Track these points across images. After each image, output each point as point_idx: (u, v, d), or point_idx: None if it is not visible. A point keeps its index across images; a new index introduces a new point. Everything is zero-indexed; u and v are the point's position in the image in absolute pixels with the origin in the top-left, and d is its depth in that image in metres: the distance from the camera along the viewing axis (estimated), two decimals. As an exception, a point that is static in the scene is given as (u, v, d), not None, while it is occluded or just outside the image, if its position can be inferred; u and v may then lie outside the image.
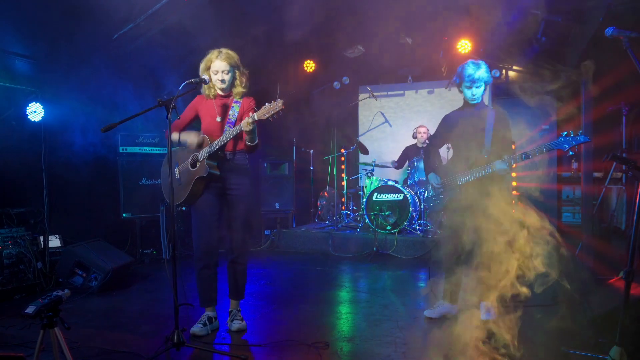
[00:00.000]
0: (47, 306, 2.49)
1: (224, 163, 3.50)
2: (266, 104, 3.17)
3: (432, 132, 7.45)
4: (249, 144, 3.42)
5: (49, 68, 5.37)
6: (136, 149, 6.48)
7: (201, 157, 3.43)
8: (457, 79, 3.70)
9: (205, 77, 3.37)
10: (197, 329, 3.49)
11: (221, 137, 3.36)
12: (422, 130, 7.49)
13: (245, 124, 3.21)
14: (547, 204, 7.97)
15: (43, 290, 4.82)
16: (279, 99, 3.12)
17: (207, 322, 3.55)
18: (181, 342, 3.06)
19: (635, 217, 2.72)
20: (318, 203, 8.42)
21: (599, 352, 2.83)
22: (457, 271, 3.86)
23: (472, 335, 3.47)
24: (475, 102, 3.70)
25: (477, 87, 3.64)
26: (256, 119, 3.19)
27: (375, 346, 3.29)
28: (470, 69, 3.59)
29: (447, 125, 3.88)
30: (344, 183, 7.84)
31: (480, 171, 3.61)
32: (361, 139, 8.50)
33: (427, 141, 7.50)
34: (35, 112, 5.34)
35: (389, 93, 8.78)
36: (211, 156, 3.42)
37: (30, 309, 2.44)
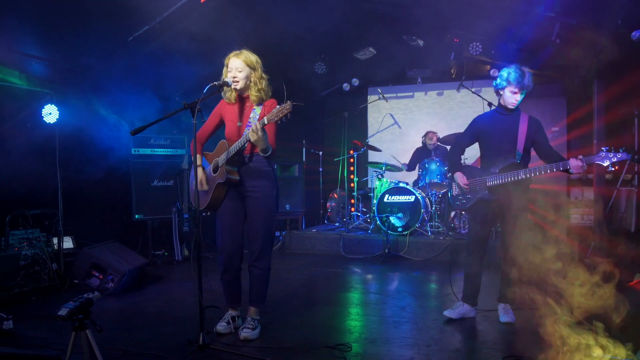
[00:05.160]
0: (79, 308, 2.51)
1: (242, 166, 3.47)
2: (277, 106, 3.13)
3: (440, 136, 7.51)
4: (262, 154, 3.35)
5: (64, 70, 5.40)
6: (148, 151, 6.50)
7: (220, 163, 3.42)
8: (502, 82, 3.69)
9: (228, 80, 3.36)
10: (221, 327, 3.53)
11: (237, 142, 3.33)
12: (431, 136, 7.55)
13: (251, 132, 3.13)
14: (556, 205, 7.98)
15: (58, 292, 4.83)
16: (287, 101, 3.09)
17: (230, 320, 3.59)
18: (206, 345, 3.07)
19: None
20: (328, 204, 8.42)
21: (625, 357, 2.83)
22: (479, 273, 3.88)
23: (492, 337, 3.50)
24: (515, 107, 3.72)
25: (521, 94, 3.66)
26: (266, 122, 3.13)
27: (398, 348, 3.29)
28: (519, 75, 3.60)
29: (479, 127, 3.89)
30: (353, 184, 7.85)
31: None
32: (371, 141, 8.52)
33: (437, 143, 7.53)
34: (50, 114, 5.35)
35: (398, 95, 8.80)
36: (229, 161, 3.39)
37: (62, 311, 2.46)
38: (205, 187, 3.51)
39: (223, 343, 3.37)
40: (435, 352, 3.21)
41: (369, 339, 3.49)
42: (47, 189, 5.44)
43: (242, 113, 3.50)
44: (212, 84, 3.25)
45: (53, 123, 5.39)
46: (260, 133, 3.13)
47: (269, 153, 3.35)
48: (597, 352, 2.54)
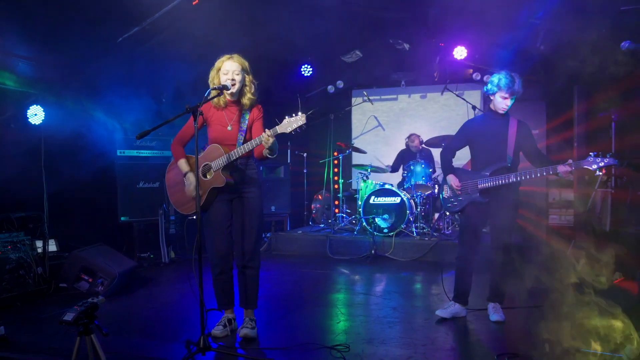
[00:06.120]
0: (84, 313, 2.50)
1: (236, 170, 3.49)
2: (287, 118, 3.17)
3: (424, 139, 7.64)
4: (269, 156, 3.39)
5: (50, 70, 5.30)
6: (134, 152, 6.43)
7: (216, 167, 3.40)
8: (493, 88, 3.79)
9: (226, 84, 3.37)
10: (217, 330, 3.54)
11: (240, 148, 3.35)
12: (414, 139, 7.67)
13: (266, 139, 3.18)
14: (536, 205, 8.19)
15: (44, 296, 4.76)
16: (300, 113, 3.12)
17: (226, 323, 3.60)
18: (207, 347, 3.08)
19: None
20: (312, 206, 8.47)
21: (614, 351, 2.95)
22: (469, 273, 3.98)
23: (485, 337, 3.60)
24: (505, 112, 3.83)
25: (512, 100, 3.77)
26: (278, 132, 3.17)
27: (395, 348, 3.36)
28: (509, 81, 3.70)
29: (470, 131, 4.00)
30: (337, 186, 7.92)
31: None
32: (355, 143, 8.59)
33: (420, 147, 7.66)
34: (36, 115, 5.28)
35: (382, 97, 8.90)
36: (227, 165, 3.42)
37: (68, 316, 2.45)
38: (193, 194, 3.44)
39: (223, 345, 3.39)
40: (431, 351, 3.29)
41: (365, 339, 3.54)
42: (31, 191, 5.34)
43: (230, 117, 3.51)
44: (212, 88, 3.27)
45: (38, 124, 5.30)
46: (272, 140, 3.19)
47: (275, 155, 3.41)
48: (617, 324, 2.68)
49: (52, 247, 5.55)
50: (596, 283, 3.48)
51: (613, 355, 2.93)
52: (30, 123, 5.25)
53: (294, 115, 3.12)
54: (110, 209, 6.29)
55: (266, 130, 3.20)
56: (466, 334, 3.69)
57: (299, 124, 3.09)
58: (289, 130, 3.13)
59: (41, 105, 5.28)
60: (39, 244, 5.23)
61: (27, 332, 3.73)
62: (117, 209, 6.25)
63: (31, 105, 5.24)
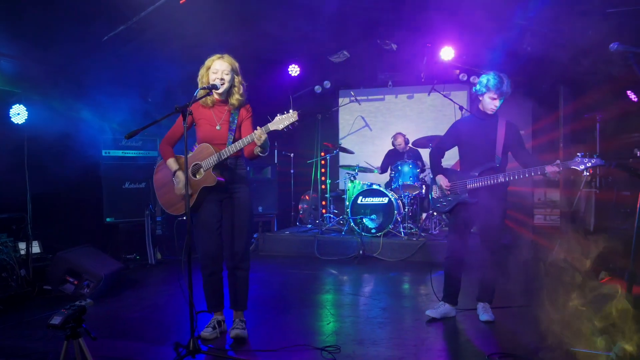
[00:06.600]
0: (72, 316, 2.45)
1: (226, 169, 3.48)
2: (278, 115, 3.18)
3: (411, 139, 7.67)
4: (260, 154, 3.37)
5: (33, 69, 5.20)
6: (119, 152, 6.34)
7: (206, 166, 3.38)
8: (482, 89, 3.79)
9: (216, 83, 3.35)
10: (207, 332, 3.50)
11: (231, 146, 3.33)
12: (399, 139, 7.69)
13: (258, 136, 3.17)
14: (522, 205, 8.26)
15: (29, 299, 4.66)
16: (293, 110, 3.13)
17: (216, 325, 3.58)
18: (197, 349, 3.05)
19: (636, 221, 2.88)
20: (300, 206, 8.44)
21: (604, 350, 2.97)
22: (459, 273, 3.99)
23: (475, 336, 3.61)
24: (494, 112, 3.83)
25: (500, 100, 3.78)
26: (270, 129, 3.17)
27: (386, 349, 3.35)
28: (498, 82, 3.71)
29: (460, 131, 4.01)
30: (324, 186, 7.90)
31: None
32: (342, 143, 8.60)
33: (407, 147, 7.69)
34: (19, 114, 5.17)
35: (369, 97, 8.92)
36: (217, 165, 3.40)
37: (56, 320, 2.40)
38: (183, 191, 3.42)
39: (213, 348, 3.35)
40: (422, 351, 3.29)
41: (355, 340, 3.53)
42: (14, 192, 5.22)
43: (219, 116, 3.49)
44: (201, 88, 3.25)
45: (21, 124, 5.20)
46: (264, 137, 3.18)
47: (266, 153, 3.40)
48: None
49: (36, 248, 5.44)
50: (583, 281, 3.52)
51: (603, 353, 2.95)
52: (13, 122, 5.14)
53: (285, 112, 3.12)
54: (96, 209, 6.19)
55: (258, 127, 3.18)
56: (456, 334, 3.70)
57: (291, 121, 3.09)
58: (280, 127, 3.13)
59: (24, 105, 5.17)
60: (22, 245, 5.13)
61: (11, 336, 3.65)
62: (103, 210, 6.17)
63: (14, 104, 5.12)
